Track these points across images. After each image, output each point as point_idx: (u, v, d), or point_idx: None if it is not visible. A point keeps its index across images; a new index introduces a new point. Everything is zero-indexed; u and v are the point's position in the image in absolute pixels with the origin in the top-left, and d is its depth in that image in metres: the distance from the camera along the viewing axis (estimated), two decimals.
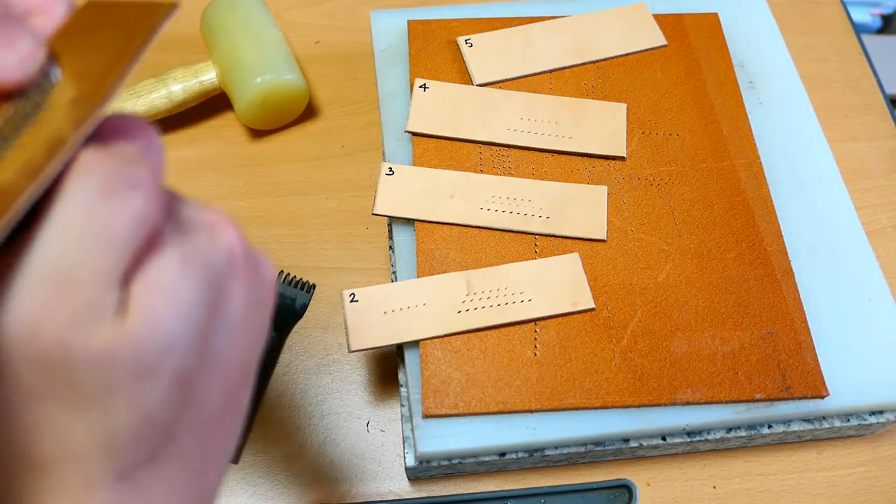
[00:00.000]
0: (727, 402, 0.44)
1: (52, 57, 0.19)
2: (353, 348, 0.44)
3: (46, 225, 0.18)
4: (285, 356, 0.52)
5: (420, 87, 0.54)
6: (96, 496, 0.20)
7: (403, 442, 0.45)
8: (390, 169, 0.50)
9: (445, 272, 0.47)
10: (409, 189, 0.49)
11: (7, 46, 0.18)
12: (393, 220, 0.50)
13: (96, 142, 0.20)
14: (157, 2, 0.20)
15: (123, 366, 0.19)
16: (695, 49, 0.57)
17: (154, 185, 0.20)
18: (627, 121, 0.53)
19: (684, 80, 0.56)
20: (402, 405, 0.46)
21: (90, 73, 0.18)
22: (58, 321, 0.18)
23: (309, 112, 0.63)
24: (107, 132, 0.20)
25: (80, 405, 0.19)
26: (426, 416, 0.43)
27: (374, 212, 0.49)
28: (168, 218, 0.21)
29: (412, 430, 0.44)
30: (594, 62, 0.56)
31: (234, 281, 0.23)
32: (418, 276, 0.47)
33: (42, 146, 0.17)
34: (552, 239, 0.49)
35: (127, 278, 0.20)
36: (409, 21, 0.58)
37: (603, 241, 0.49)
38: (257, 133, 0.62)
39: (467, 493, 0.47)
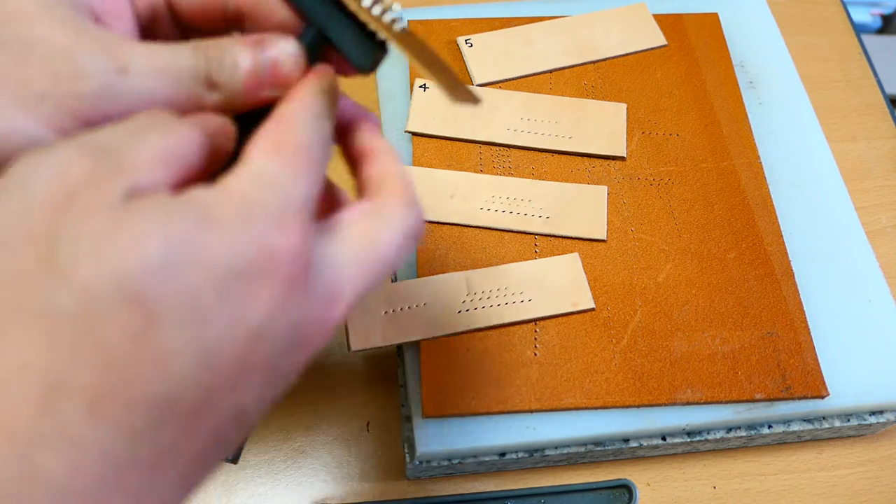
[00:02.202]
0: (727, 402, 0.44)
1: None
2: (353, 348, 0.44)
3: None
4: None
5: (420, 87, 0.54)
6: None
7: (403, 442, 0.45)
8: None
9: (445, 272, 0.47)
10: None
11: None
12: None
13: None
14: (469, 87, 0.27)
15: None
16: (695, 49, 0.57)
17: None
18: (627, 121, 0.53)
19: (684, 80, 0.56)
20: (402, 405, 0.46)
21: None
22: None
23: None
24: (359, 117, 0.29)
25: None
26: (426, 416, 0.43)
27: None
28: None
29: (412, 430, 0.44)
30: (594, 62, 0.56)
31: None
32: (418, 276, 0.47)
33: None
34: (552, 239, 0.49)
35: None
36: (408, 21, 0.58)
37: (603, 241, 0.49)
38: None
39: (467, 493, 0.47)
